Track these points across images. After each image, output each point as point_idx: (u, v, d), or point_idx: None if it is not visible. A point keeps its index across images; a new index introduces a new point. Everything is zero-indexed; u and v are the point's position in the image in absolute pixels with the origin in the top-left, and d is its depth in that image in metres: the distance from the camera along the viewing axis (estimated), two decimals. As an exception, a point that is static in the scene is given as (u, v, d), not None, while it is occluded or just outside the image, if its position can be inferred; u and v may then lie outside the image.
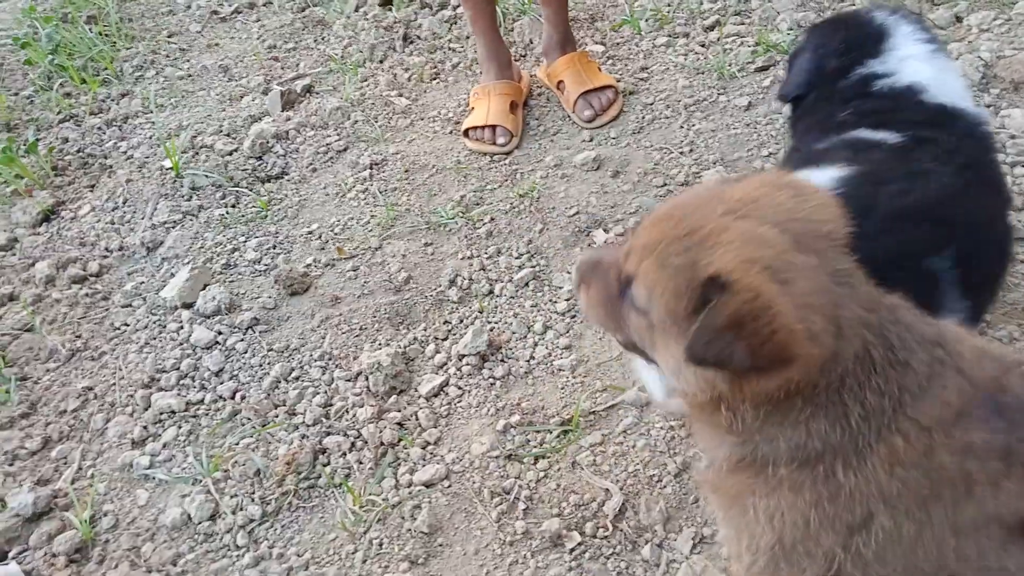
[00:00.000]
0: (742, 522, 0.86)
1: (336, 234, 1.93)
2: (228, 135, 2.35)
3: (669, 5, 2.41)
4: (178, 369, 1.63)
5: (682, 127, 2.00)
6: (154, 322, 1.76)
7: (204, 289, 1.78)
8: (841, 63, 1.26)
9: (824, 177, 1.06)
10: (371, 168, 2.10)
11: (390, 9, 2.77)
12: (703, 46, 2.26)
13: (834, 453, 0.78)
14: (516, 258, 1.76)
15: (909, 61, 1.22)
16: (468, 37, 2.49)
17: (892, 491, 0.78)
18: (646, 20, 2.42)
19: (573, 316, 1.60)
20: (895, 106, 1.19)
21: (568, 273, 1.69)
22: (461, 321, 1.64)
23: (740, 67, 2.13)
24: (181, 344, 1.69)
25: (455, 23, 2.59)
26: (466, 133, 2.10)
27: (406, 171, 2.08)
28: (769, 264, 0.73)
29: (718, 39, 2.26)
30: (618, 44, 2.38)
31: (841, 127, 1.20)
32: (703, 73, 2.15)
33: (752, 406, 0.79)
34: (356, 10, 2.84)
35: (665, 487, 1.29)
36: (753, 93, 2.04)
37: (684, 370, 0.79)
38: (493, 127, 2.06)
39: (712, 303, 0.73)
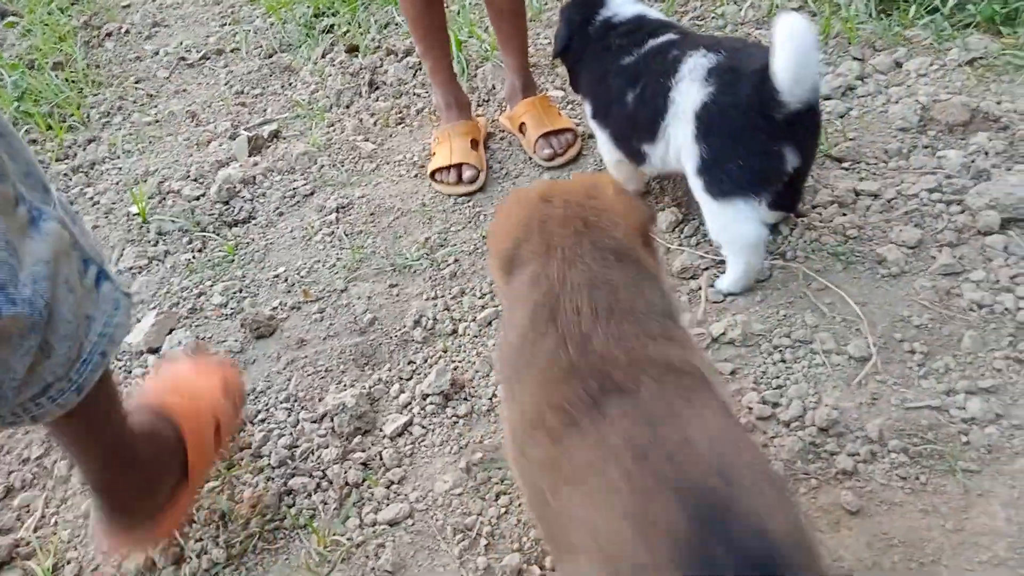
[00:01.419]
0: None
1: (302, 277, 1.96)
2: (195, 180, 2.38)
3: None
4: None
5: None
6: (120, 367, 1.77)
7: (170, 334, 1.80)
8: (583, 16, 1.82)
9: (697, 66, 1.53)
10: (337, 212, 2.15)
11: (356, 55, 2.84)
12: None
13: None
14: (479, 298, 1.81)
15: (622, 5, 1.81)
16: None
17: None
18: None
19: (534, 354, 1.64)
20: (640, 26, 1.74)
21: (529, 312, 1.74)
22: (425, 361, 1.67)
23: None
24: (147, 389, 1.70)
25: (419, 70, 2.67)
26: (433, 176, 2.16)
27: (372, 214, 2.13)
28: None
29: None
30: (577, 89, 2.47)
31: (619, 51, 1.72)
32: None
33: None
34: (323, 56, 2.90)
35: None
36: (706, 136, 2.12)
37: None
38: (459, 166, 2.12)
39: None
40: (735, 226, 1.55)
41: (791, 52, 1.35)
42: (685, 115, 1.54)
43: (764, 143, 1.46)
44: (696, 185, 1.57)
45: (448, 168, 2.11)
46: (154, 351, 1.79)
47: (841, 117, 2.06)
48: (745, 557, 0.70)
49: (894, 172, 1.86)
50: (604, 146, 1.88)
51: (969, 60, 2.18)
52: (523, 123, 2.20)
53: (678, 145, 1.59)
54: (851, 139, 1.97)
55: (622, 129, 1.75)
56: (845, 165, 1.91)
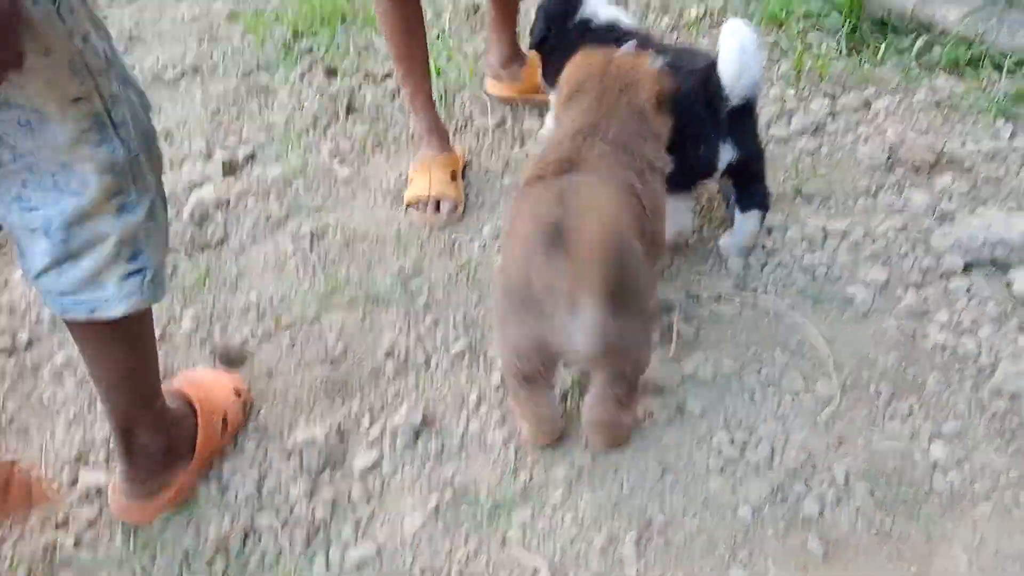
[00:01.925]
0: None
1: (274, 305, 1.94)
2: (168, 201, 2.35)
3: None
4: (107, 445, 1.61)
5: (613, 202, 2.09)
6: (85, 394, 1.74)
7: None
8: (563, 12, 1.96)
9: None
10: (311, 238, 2.13)
11: (334, 78, 2.84)
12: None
13: None
14: (453, 329, 1.80)
15: (599, 8, 1.94)
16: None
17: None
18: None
19: (506, 390, 1.64)
20: (610, 31, 1.87)
21: (502, 345, 1.74)
22: (397, 394, 1.67)
23: (668, 144, 2.24)
24: (112, 419, 1.67)
25: (397, 94, 2.67)
26: (409, 205, 2.16)
27: (346, 241, 2.12)
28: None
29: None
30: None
31: None
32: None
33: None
34: (301, 78, 2.90)
35: (591, 562, 1.33)
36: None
37: None
38: (436, 198, 2.13)
39: None
40: (672, 215, 1.66)
41: (735, 50, 1.54)
42: None
43: (704, 135, 1.64)
44: None
45: (427, 199, 2.12)
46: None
47: (812, 154, 2.10)
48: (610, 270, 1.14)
49: (862, 211, 1.90)
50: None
51: (935, 101, 2.23)
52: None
53: None
54: (821, 176, 2.01)
55: None
56: (815, 202, 1.94)
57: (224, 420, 1.56)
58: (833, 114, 2.24)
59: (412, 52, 2.18)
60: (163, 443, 1.42)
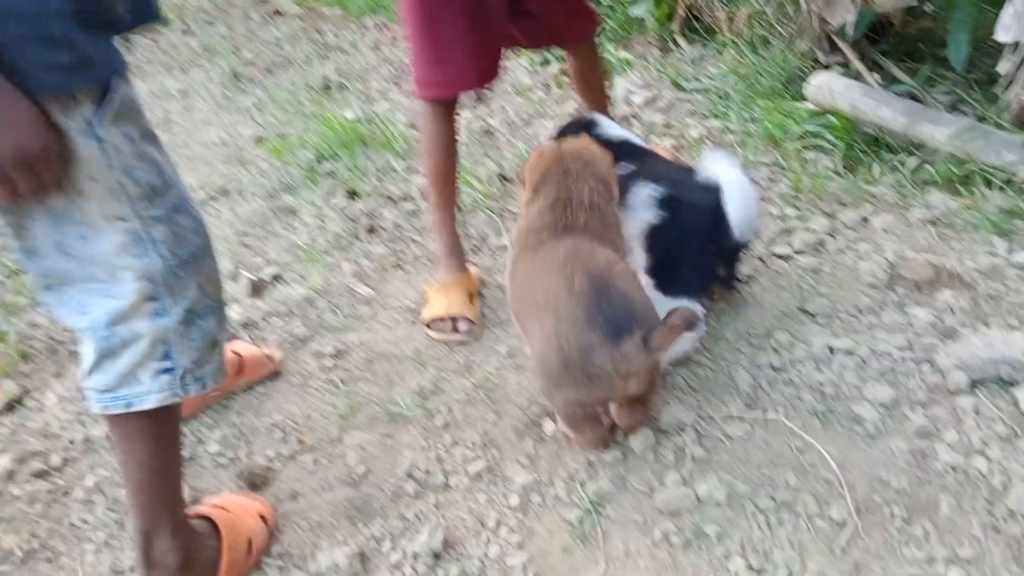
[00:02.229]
0: None
1: (298, 425, 2.00)
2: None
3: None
4: (135, 572, 1.64)
5: (625, 319, 2.17)
6: (114, 520, 1.78)
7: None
8: (584, 131, 2.10)
9: (647, 197, 1.91)
10: (334, 357, 2.21)
11: (356, 199, 2.99)
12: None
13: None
14: (471, 449, 1.85)
15: (611, 130, 2.16)
16: (428, 230, 2.69)
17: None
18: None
19: (525, 510, 1.67)
20: (621, 150, 2.04)
21: (520, 464, 1.78)
22: (417, 516, 1.70)
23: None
24: (140, 544, 1.71)
25: (416, 215, 2.81)
26: (429, 324, 2.25)
27: (368, 360, 2.19)
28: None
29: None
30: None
31: None
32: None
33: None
34: (324, 199, 3.05)
35: None
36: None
37: None
38: (454, 318, 2.21)
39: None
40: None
41: (743, 206, 1.82)
42: (637, 234, 1.93)
43: (710, 263, 1.93)
44: (648, 283, 1.89)
45: (445, 319, 2.20)
46: None
47: (814, 272, 2.19)
48: (617, 307, 1.52)
49: (866, 328, 1.96)
50: None
51: (931, 218, 2.33)
52: None
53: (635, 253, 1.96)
54: (824, 295, 2.09)
55: None
56: (820, 321, 2.01)
57: (249, 545, 1.62)
58: (832, 232, 2.34)
59: (446, 171, 2.30)
60: (182, 557, 1.47)
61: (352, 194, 3.03)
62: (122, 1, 1.25)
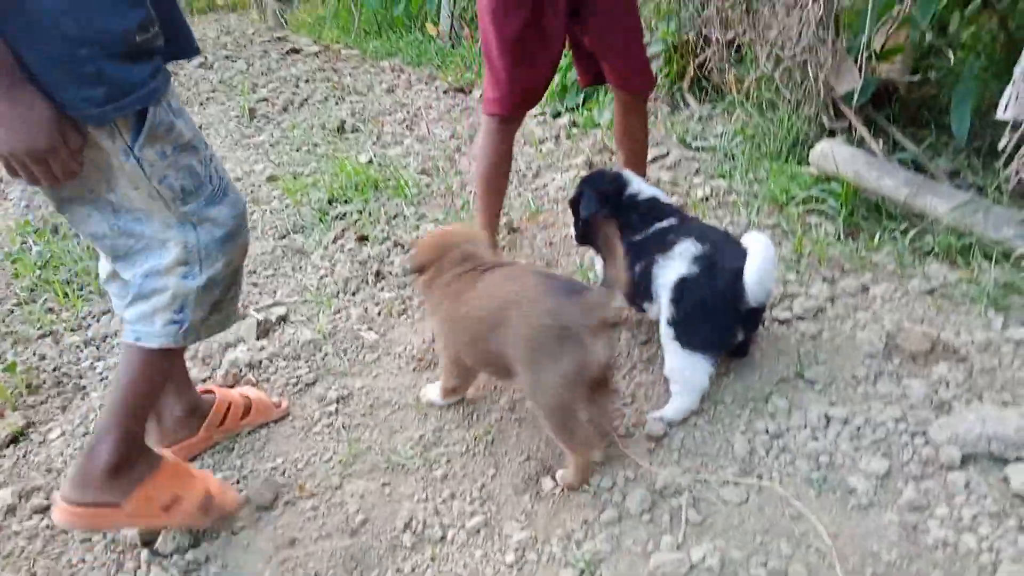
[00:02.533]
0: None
1: (299, 469, 2.03)
2: (203, 360, 2.49)
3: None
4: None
5: (624, 377, 2.20)
6: (112, 560, 1.80)
7: (166, 527, 1.84)
8: (613, 189, 2.27)
9: (686, 251, 2.01)
10: (338, 402, 2.24)
11: (365, 244, 3.04)
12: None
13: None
14: (469, 503, 1.87)
15: (642, 187, 2.29)
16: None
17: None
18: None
19: (520, 568, 1.69)
20: (653, 207, 2.23)
21: (517, 521, 1.80)
22: (413, 569, 1.72)
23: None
24: (137, 585, 1.73)
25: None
26: None
27: (371, 406, 2.22)
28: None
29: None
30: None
31: (634, 227, 2.19)
32: (645, 325, 2.39)
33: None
34: (334, 242, 3.11)
35: None
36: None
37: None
38: None
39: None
40: (693, 373, 2.00)
41: (759, 270, 1.87)
42: (668, 284, 2.01)
43: (729, 323, 1.99)
44: (666, 333, 2.03)
45: None
46: (148, 544, 1.83)
47: (813, 339, 2.22)
48: (566, 282, 1.84)
49: (862, 398, 1.99)
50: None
51: (929, 289, 2.37)
52: None
53: (660, 304, 2.06)
54: (822, 362, 2.12)
55: (628, 290, 2.09)
56: (817, 388, 2.04)
57: (175, 501, 1.78)
58: (832, 299, 2.38)
59: (494, 180, 2.59)
60: (115, 462, 1.68)
61: (362, 239, 3.08)
62: (158, 34, 1.49)
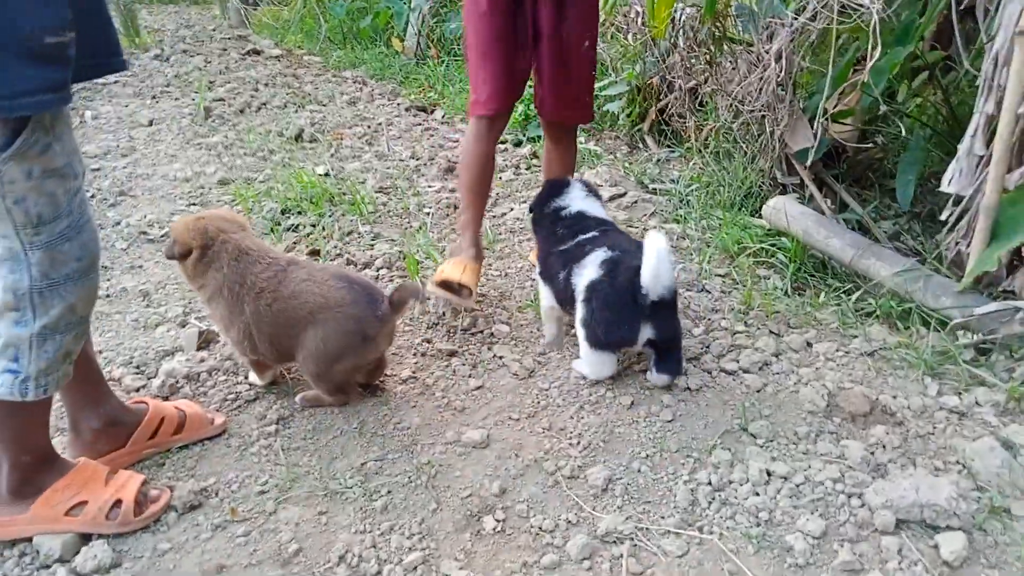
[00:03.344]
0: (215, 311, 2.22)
1: (233, 491, 1.95)
2: (137, 368, 2.39)
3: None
4: None
5: (572, 417, 2.20)
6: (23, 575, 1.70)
7: (87, 544, 1.75)
8: (546, 199, 2.58)
9: (597, 258, 2.24)
10: (278, 423, 2.18)
11: (316, 260, 2.98)
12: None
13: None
14: (408, 538, 1.82)
15: (576, 200, 2.53)
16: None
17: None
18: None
19: (456, 609, 1.65)
20: (580, 219, 2.47)
21: (456, 560, 1.77)
22: (346, 606, 1.66)
23: (627, 365, 2.39)
24: (49, 607, 1.63)
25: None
26: (440, 284, 2.56)
27: (312, 429, 2.16)
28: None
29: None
30: (522, 325, 2.64)
31: (561, 238, 2.44)
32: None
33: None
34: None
35: None
36: (636, 393, 2.28)
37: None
38: (461, 284, 2.56)
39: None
40: (599, 367, 2.29)
41: (652, 264, 2.06)
42: (581, 289, 2.23)
43: (627, 318, 2.15)
44: (580, 333, 2.27)
45: (453, 282, 2.56)
46: (65, 562, 1.73)
47: (758, 392, 2.26)
48: (365, 288, 2.19)
49: (803, 456, 2.03)
50: (543, 295, 2.52)
51: (870, 351, 2.45)
52: None
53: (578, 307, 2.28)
54: (765, 416, 2.16)
55: (558, 295, 2.40)
56: (760, 442, 2.07)
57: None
58: (778, 353, 2.43)
59: (478, 180, 2.74)
60: (11, 487, 1.71)
61: (314, 252, 3.02)
62: (71, 42, 1.37)
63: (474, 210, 2.78)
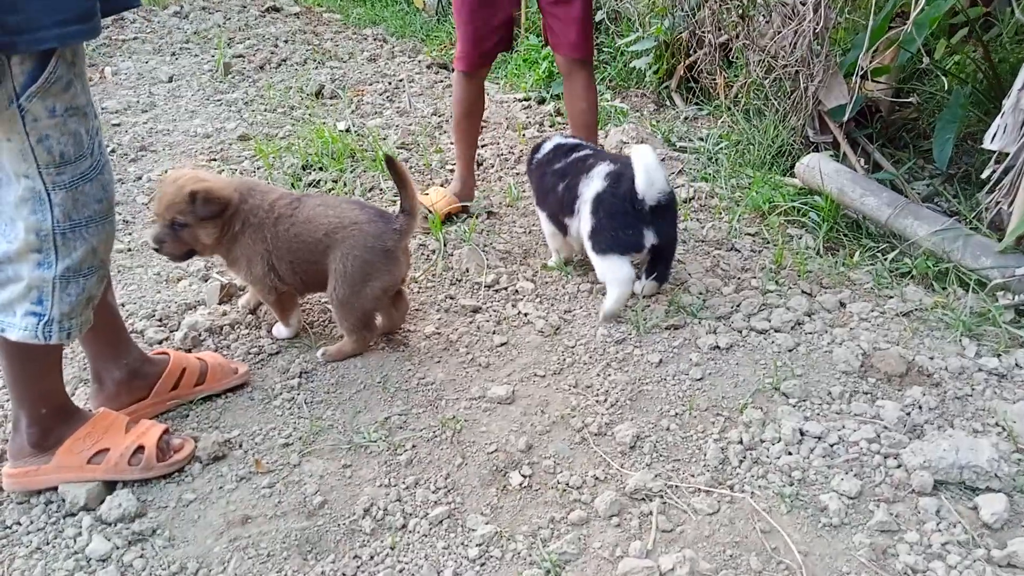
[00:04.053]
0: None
1: (257, 444, 1.94)
2: (160, 321, 2.38)
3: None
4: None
5: (599, 375, 2.16)
6: (50, 524, 1.69)
7: (112, 493, 1.74)
8: (533, 153, 2.73)
9: (603, 167, 2.38)
10: (300, 377, 2.15)
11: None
12: (623, 297, 2.49)
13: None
14: (433, 492, 1.80)
15: (559, 139, 2.70)
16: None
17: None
18: (574, 264, 2.65)
19: (483, 563, 1.63)
20: (575, 146, 2.63)
21: (482, 515, 1.74)
22: (371, 557, 1.64)
23: (654, 323, 2.34)
24: (76, 554, 1.62)
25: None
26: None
27: (335, 384, 2.14)
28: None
29: (635, 295, 2.49)
30: (547, 283, 2.59)
31: (553, 165, 2.59)
32: (621, 323, 2.35)
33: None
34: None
35: None
36: (665, 351, 2.23)
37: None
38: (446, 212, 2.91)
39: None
40: (615, 271, 2.32)
41: (642, 173, 2.21)
42: (587, 200, 2.35)
43: (630, 223, 2.28)
44: (587, 246, 2.37)
45: (440, 207, 2.87)
46: (90, 510, 1.72)
47: (790, 351, 2.21)
48: (374, 209, 2.25)
49: (836, 416, 1.98)
50: (543, 223, 2.65)
51: (906, 312, 2.37)
52: None
53: (580, 219, 2.39)
54: (798, 376, 2.10)
55: (553, 209, 2.53)
56: (792, 401, 2.02)
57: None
58: (810, 313, 2.37)
59: (465, 123, 2.95)
60: (35, 438, 1.72)
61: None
62: None
63: (460, 147, 3.00)
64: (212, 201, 2.08)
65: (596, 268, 2.38)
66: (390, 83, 4.50)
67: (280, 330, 2.31)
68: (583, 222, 2.37)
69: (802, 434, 1.91)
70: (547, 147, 2.67)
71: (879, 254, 2.67)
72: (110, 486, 1.78)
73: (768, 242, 2.80)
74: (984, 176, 2.63)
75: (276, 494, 1.80)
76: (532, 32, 4.73)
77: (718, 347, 2.23)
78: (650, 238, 2.30)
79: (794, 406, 2.01)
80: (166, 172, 3.31)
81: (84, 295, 1.59)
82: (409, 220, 2.16)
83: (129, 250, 2.80)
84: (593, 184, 2.35)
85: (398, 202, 2.20)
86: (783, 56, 3.36)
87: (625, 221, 2.28)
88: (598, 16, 4.54)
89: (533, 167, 2.71)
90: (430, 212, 2.85)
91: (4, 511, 1.73)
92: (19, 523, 1.70)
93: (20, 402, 1.69)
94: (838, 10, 3.16)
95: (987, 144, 2.53)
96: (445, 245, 2.74)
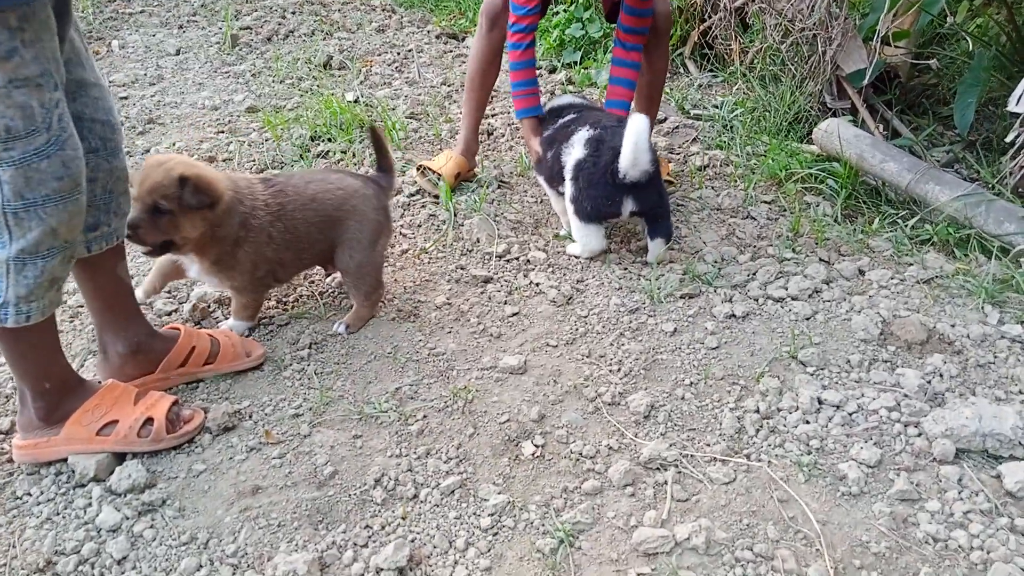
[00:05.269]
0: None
1: (267, 414, 1.92)
2: (169, 294, 2.36)
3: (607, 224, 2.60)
4: (78, 553, 1.55)
5: (612, 344, 2.12)
6: (60, 495, 1.69)
7: (122, 464, 1.73)
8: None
9: (582, 133, 2.42)
10: (311, 347, 2.13)
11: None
12: (635, 265, 2.45)
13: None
14: (445, 462, 1.78)
15: (559, 99, 2.76)
16: (421, 223, 2.62)
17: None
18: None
19: (496, 533, 1.61)
20: (565, 108, 2.67)
21: (495, 484, 1.72)
22: (383, 527, 1.63)
23: (668, 292, 2.30)
24: (86, 524, 1.61)
25: (408, 209, 2.73)
26: (420, 170, 2.87)
27: (345, 354, 2.12)
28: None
29: (647, 263, 2.44)
30: (559, 253, 2.55)
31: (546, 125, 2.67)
32: (635, 293, 2.31)
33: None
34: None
35: None
36: (679, 320, 2.19)
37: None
38: (439, 175, 2.82)
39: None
40: (588, 239, 2.44)
41: (630, 151, 2.21)
42: (568, 168, 2.41)
43: (609, 194, 2.32)
44: (568, 208, 2.43)
45: (431, 170, 2.84)
46: (100, 480, 1.71)
47: (807, 320, 2.16)
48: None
49: (855, 384, 1.94)
50: (545, 186, 2.67)
51: (926, 279, 2.32)
52: None
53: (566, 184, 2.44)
54: (816, 344, 2.06)
55: (547, 175, 2.60)
56: (810, 370, 1.98)
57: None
58: (828, 281, 2.32)
59: (478, 79, 2.90)
60: (42, 413, 1.70)
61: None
62: None
63: (469, 104, 2.94)
64: (203, 191, 1.90)
65: (572, 228, 2.47)
66: (399, 53, 4.44)
67: (241, 325, 2.18)
68: (567, 188, 2.43)
69: (820, 403, 1.87)
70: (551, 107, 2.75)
71: (899, 221, 2.60)
72: (119, 457, 1.76)
73: (785, 210, 2.74)
74: (1008, 140, 2.56)
75: (286, 464, 1.78)
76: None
77: (734, 315, 2.19)
78: (629, 206, 2.35)
79: (812, 374, 1.97)
80: (173, 145, 3.28)
81: (44, 277, 1.51)
82: (392, 177, 2.30)
83: (137, 223, 2.77)
84: (574, 152, 2.39)
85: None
86: (800, 20, 3.28)
87: (605, 191, 2.32)
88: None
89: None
90: (439, 177, 2.83)
91: (15, 482, 1.72)
92: (29, 494, 1.69)
93: (22, 379, 1.67)
94: (858, -29, 3.07)
95: (1011, 107, 2.46)
96: (456, 215, 2.70)
